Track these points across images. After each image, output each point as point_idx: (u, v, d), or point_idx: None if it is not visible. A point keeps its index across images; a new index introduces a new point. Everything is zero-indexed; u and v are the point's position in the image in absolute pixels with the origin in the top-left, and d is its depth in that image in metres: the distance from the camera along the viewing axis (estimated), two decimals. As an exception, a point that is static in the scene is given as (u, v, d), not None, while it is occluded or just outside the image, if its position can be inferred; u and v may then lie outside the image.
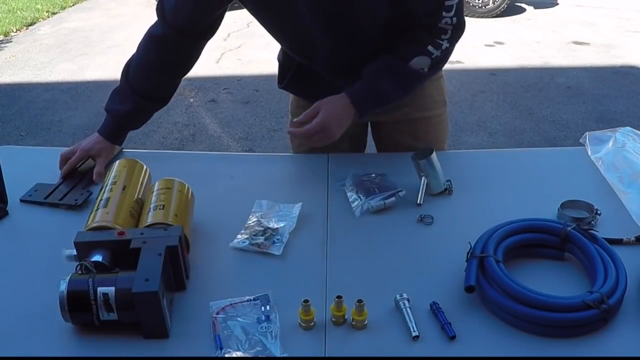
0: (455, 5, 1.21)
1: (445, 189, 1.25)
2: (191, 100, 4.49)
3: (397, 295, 0.93)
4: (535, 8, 7.23)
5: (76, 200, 1.23)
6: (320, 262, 1.06)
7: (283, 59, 1.48)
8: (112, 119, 1.40)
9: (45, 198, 1.25)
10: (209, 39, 1.38)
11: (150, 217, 1.04)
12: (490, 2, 6.62)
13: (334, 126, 1.23)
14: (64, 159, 1.36)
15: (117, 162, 1.22)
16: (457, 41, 1.27)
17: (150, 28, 1.37)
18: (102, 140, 1.40)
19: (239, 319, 0.91)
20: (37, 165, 1.43)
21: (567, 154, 1.47)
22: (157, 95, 1.42)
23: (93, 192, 1.25)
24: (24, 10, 7.34)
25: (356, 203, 1.20)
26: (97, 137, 1.40)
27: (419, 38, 1.25)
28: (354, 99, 1.25)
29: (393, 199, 1.20)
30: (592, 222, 1.13)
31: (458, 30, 1.25)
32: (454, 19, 1.22)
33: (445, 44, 1.25)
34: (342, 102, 1.25)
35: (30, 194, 1.27)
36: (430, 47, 1.24)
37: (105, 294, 0.86)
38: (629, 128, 1.44)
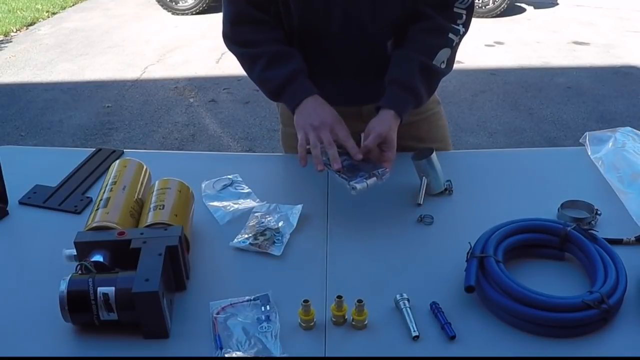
0: None
1: (445, 189, 1.25)
2: (191, 100, 4.48)
3: (397, 295, 0.93)
4: (535, 8, 7.23)
5: (76, 206, 1.23)
6: (320, 262, 1.06)
7: None
8: (301, 75, 1.25)
9: (44, 202, 1.25)
10: None
11: (150, 217, 1.04)
12: (490, 2, 6.62)
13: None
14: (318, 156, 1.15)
15: (117, 162, 1.22)
16: (469, 26, 1.28)
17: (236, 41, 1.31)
18: (315, 102, 1.22)
19: (239, 319, 0.91)
20: (37, 165, 1.43)
21: (567, 154, 1.47)
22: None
23: (92, 197, 1.25)
24: (24, 10, 7.34)
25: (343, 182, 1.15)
26: (312, 104, 1.21)
27: (438, 25, 1.24)
28: (399, 110, 1.22)
29: (374, 179, 1.13)
30: (592, 222, 1.13)
31: (470, 12, 1.26)
32: None
33: (461, 30, 1.25)
34: (395, 122, 1.21)
35: (29, 197, 1.27)
36: (450, 35, 1.24)
37: (105, 294, 0.86)
38: (629, 128, 1.44)
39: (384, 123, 1.20)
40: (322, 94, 1.39)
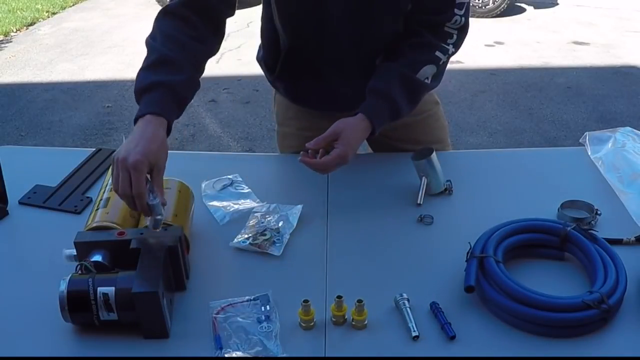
0: (465, 5, 1.21)
1: (445, 189, 1.25)
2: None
3: (397, 295, 0.93)
4: (535, 8, 7.23)
5: (76, 206, 1.23)
6: (320, 262, 1.06)
7: (267, 52, 1.42)
8: (167, 90, 1.05)
9: (44, 202, 1.25)
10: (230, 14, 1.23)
11: (150, 217, 1.03)
12: (490, 2, 6.62)
13: (351, 154, 1.15)
14: (128, 196, 0.95)
15: (117, 162, 1.21)
16: (460, 46, 1.26)
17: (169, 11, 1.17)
18: (155, 130, 1.00)
19: (239, 319, 0.91)
20: (36, 165, 1.43)
21: (567, 154, 1.47)
22: (200, 68, 1.16)
23: (92, 197, 1.25)
24: (24, 10, 7.33)
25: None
26: (146, 129, 1.00)
27: (426, 42, 1.23)
28: (372, 118, 1.18)
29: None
30: (592, 222, 1.13)
31: (463, 33, 1.25)
32: (463, 18, 1.22)
33: (451, 49, 1.24)
34: (361, 126, 1.17)
35: (29, 197, 1.27)
36: (437, 53, 1.22)
37: (105, 294, 0.86)
38: (629, 128, 1.44)
39: (346, 122, 1.17)
40: (309, 99, 1.37)
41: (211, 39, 1.19)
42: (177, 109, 1.09)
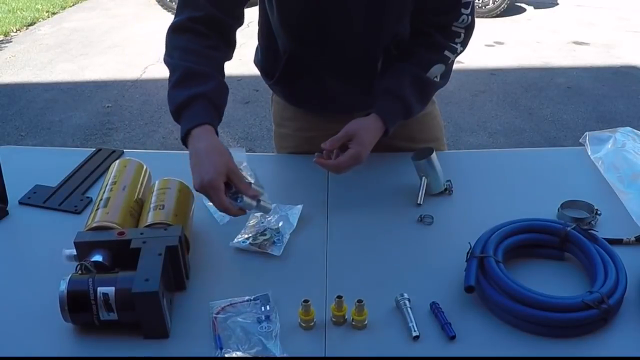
0: (471, 4, 1.22)
1: (445, 189, 1.25)
2: (191, 100, 4.48)
3: (398, 295, 0.93)
4: (535, 8, 7.23)
5: (76, 207, 1.23)
6: (320, 262, 1.06)
7: (265, 58, 1.42)
8: (203, 100, 1.07)
9: (44, 202, 1.25)
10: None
11: (150, 217, 1.03)
12: (490, 2, 6.61)
13: (365, 154, 1.16)
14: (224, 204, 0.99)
15: (117, 162, 1.22)
16: (467, 44, 1.28)
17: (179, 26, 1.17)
18: (207, 141, 1.03)
19: (239, 319, 0.91)
20: (36, 165, 1.43)
21: (567, 154, 1.47)
22: (223, 72, 1.18)
23: (92, 197, 1.25)
24: (24, 10, 7.33)
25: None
26: (199, 145, 1.02)
27: (435, 42, 1.24)
28: (385, 118, 1.20)
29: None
30: (592, 222, 1.13)
31: (469, 31, 1.26)
32: (469, 17, 1.23)
33: (459, 48, 1.26)
34: (375, 126, 1.19)
35: (29, 197, 1.26)
36: (446, 52, 1.24)
37: (105, 294, 0.86)
38: (629, 128, 1.44)
39: (359, 122, 1.19)
40: (305, 102, 1.37)
41: (224, 47, 1.20)
42: (217, 116, 1.10)
